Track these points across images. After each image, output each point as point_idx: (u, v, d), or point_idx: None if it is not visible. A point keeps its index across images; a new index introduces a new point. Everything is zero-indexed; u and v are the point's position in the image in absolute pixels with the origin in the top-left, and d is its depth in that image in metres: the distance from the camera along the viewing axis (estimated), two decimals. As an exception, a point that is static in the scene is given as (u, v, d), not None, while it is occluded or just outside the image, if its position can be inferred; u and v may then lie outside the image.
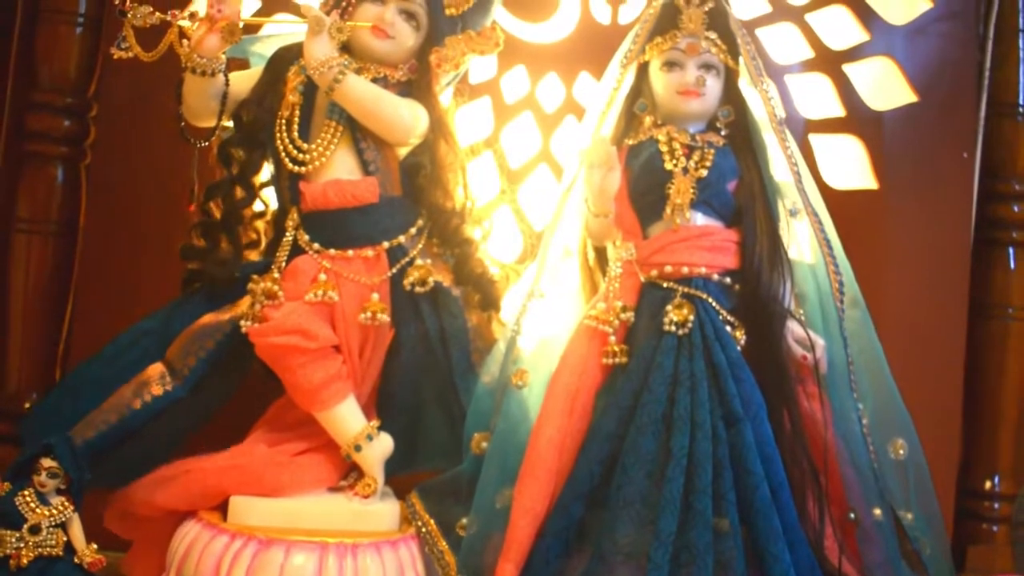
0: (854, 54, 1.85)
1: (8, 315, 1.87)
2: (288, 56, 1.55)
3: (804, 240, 1.55)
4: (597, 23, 1.83)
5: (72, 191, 1.89)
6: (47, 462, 1.34)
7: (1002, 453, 1.89)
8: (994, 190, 1.89)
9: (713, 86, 1.53)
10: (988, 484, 1.88)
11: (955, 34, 1.86)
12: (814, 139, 1.84)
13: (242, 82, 1.55)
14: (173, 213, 1.71)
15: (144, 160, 1.84)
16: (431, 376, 1.53)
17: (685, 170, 1.50)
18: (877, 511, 1.49)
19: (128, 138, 1.86)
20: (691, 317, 1.44)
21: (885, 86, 1.85)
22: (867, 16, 1.86)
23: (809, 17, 1.85)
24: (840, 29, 1.85)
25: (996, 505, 1.88)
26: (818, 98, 1.85)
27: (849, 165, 1.85)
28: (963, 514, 1.87)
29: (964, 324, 1.86)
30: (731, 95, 1.56)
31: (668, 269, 1.48)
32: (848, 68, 1.85)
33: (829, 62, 1.85)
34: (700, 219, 1.50)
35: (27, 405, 1.84)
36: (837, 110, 1.85)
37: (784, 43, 1.85)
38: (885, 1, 1.86)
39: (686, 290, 1.47)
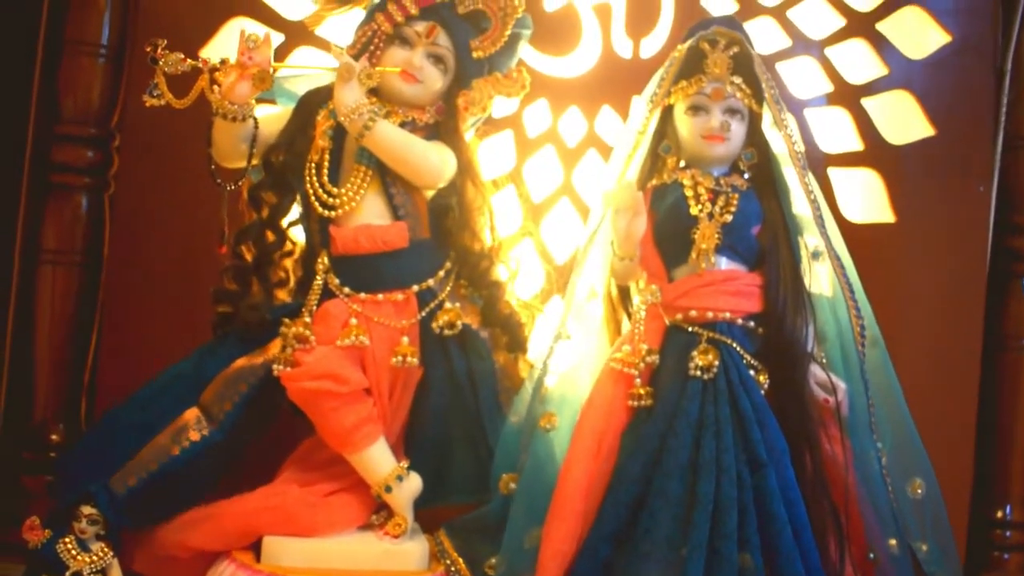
0: (872, 88, 1.87)
1: (35, 346, 1.89)
2: (317, 99, 1.57)
3: (824, 279, 1.58)
4: (619, 57, 1.84)
5: (96, 222, 1.91)
6: (87, 509, 1.37)
7: (1014, 482, 1.92)
8: (1010, 222, 1.91)
9: (737, 130, 1.55)
10: (1000, 513, 1.91)
11: (972, 68, 1.88)
12: (833, 173, 1.86)
13: (271, 124, 1.56)
14: (197, 241, 1.74)
15: (168, 188, 1.85)
16: (459, 416, 1.56)
17: (710, 215, 1.52)
18: (893, 542, 1.52)
19: (152, 167, 1.87)
20: (716, 362, 1.47)
21: (903, 120, 1.87)
22: (885, 50, 1.87)
23: (828, 51, 1.87)
24: (859, 63, 1.87)
25: (1008, 533, 1.91)
26: (837, 132, 1.87)
27: (866, 198, 1.87)
28: (975, 542, 1.89)
29: (978, 355, 1.88)
30: (755, 138, 1.58)
31: (693, 313, 1.50)
32: (866, 102, 1.87)
33: (848, 96, 1.87)
34: (724, 263, 1.52)
35: (53, 436, 1.86)
36: (855, 144, 1.87)
37: (804, 77, 1.86)
38: (903, 35, 1.87)
39: (711, 335, 1.49)
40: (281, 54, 1.80)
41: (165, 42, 1.49)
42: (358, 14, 1.64)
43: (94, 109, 1.89)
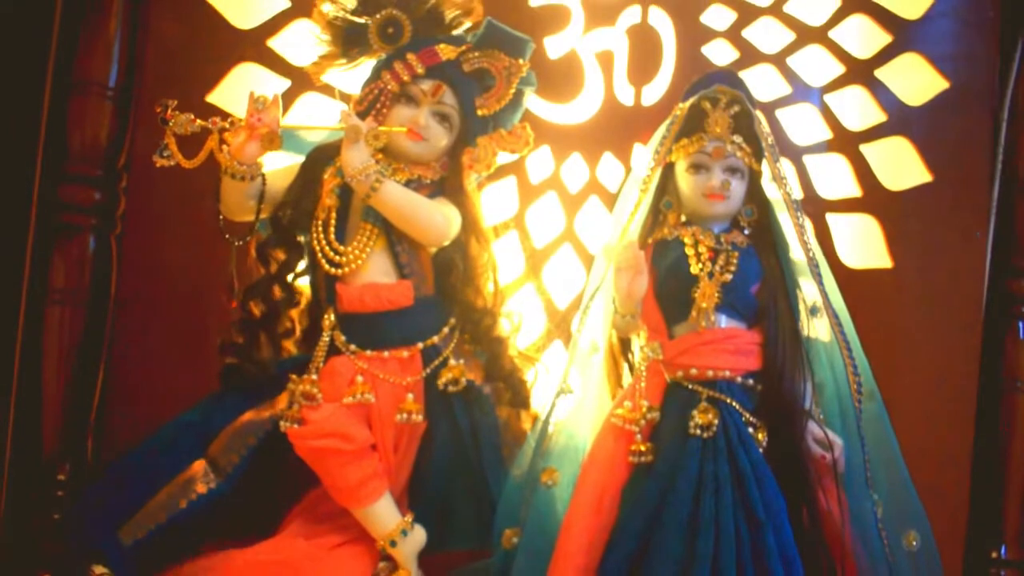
0: (871, 134, 1.89)
1: (42, 384, 1.90)
2: (323, 156, 1.59)
3: (822, 332, 1.60)
4: (621, 104, 1.86)
5: (104, 262, 1.92)
6: (98, 568, 1.39)
7: (1009, 521, 1.94)
8: (1010, 266, 1.93)
9: (737, 188, 1.58)
10: (995, 553, 1.93)
11: (970, 114, 1.90)
12: (831, 218, 1.88)
13: (278, 180, 1.58)
14: (204, 282, 1.77)
15: (175, 229, 1.87)
16: (462, 469, 1.58)
17: (711, 275, 1.54)
18: (887, 585, 1.55)
19: (158, 208, 1.89)
20: (715, 421, 1.49)
21: (901, 166, 1.89)
22: (884, 97, 1.89)
23: (828, 98, 1.89)
24: (857, 109, 1.89)
25: (1003, 572, 1.93)
26: (835, 178, 1.89)
27: (864, 244, 1.89)
28: (970, 583, 1.93)
29: (974, 396, 1.91)
30: (754, 195, 1.60)
31: (693, 372, 1.53)
32: (865, 148, 1.89)
33: (846, 142, 1.89)
34: (724, 322, 1.54)
35: (60, 476, 1.88)
36: (854, 190, 1.89)
37: (803, 123, 1.89)
38: (902, 82, 1.89)
39: (711, 393, 1.52)
40: (288, 99, 1.82)
41: (175, 103, 1.51)
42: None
43: (101, 150, 1.91)
